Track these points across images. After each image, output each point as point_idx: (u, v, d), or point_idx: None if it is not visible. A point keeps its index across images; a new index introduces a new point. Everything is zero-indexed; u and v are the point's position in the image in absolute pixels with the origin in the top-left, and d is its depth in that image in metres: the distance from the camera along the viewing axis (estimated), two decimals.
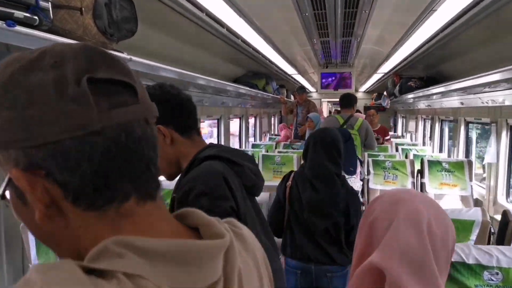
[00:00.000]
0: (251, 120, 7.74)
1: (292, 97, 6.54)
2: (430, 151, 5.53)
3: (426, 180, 3.96)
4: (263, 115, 8.21)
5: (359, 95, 11.59)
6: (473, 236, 2.04)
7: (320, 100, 11.82)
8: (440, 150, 5.89)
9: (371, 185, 4.09)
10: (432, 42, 3.51)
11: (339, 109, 5.89)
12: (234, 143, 6.28)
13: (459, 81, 3.43)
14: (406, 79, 5.26)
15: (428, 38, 3.49)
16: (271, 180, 4.23)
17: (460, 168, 3.92)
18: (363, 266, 0.72)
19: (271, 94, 5.66)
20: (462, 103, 4.39)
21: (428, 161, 4.01)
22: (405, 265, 0.68)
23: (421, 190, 3.99)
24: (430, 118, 6.13)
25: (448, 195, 3.89)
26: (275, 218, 2.04)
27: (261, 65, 5.32)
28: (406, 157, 4.99)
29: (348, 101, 4.24)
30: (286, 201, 2.01)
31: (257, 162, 4.24)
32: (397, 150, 5.63)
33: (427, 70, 5.45)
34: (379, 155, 4.94)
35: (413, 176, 4.04)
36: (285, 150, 5.24)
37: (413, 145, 6.28)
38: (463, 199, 3.85)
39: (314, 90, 11.23)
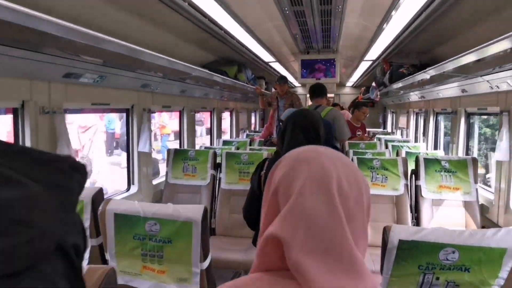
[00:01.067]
0: (227, 115, 7.00)
1: (273, 90, 5.81)
2: (424, 148, 4.85)
3: (422, 182, 3.27)
4: (241, 110, 7.47)
5: (346, 90, 10.95)
6: (504, 273, 1.33)
7: (305, 95, 11.16)
8: (435, 147, 5.23)
9: None
10: (425, 15, 2.85)
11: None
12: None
13: (461, 55, 2.74)
14: (398, 66, 4.58)
15: (419, 10, 2.83)
16: (237, 183, 3.51)
17: (462, 167, 3.23)
18: (264, 238, 0.63)
19: (243, 83, 4.92)
20: (463, 91, 3.71)
21: (425, 159, 3.32)
22: (312, 237, 0.59)
23: (416, 194, 3.30)
24: (423, 112, 5.46)
25: (448, 201, 3.21)
26: (250, 210, 1.88)
27: (234, 51, 4.60)
28: (398, 155, 4.30)
29: (318, 90, 3.87)
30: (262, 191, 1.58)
31: (220, 161, 3.52)
32: (386, 147, 4.94)
33: (421, 56, 4.77)
34: (366, 152, 4.25)
35: (406, 178, 3.35)
36: (258, 148, 4.50)
37: (405, 141, 5.60)
38: (467, 205, 3.16)
39: (299, 85, 10.56)
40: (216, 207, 3.50)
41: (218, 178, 3.63)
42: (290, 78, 7.93)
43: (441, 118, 5.29)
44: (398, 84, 4.35)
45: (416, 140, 6.28)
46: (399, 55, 5.00)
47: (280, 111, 5.45)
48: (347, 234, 0.60)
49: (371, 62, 5.41)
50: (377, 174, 3.38)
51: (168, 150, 3.69)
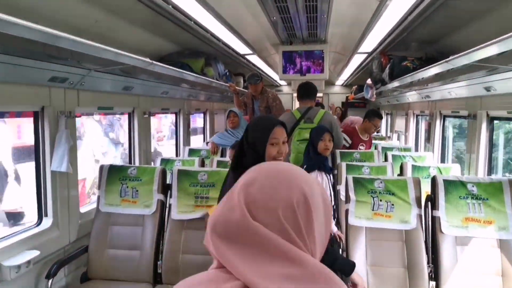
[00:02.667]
0: (199, 118, 6.07)
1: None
2: (432, 160, 4.00)
3: (441, 212, 2.40)
4: (218, 111, 6.54)
5: (336, 89, 10.10)
6: None
7: (292, 95, 10.28)
8: (442, 159, 4.39)
9: (352, 220, 2.50)
10: None
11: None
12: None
13: (493, 41, 1.88)
14: (400, 58, 3.72)
15: None
16: (192, 212, 2.61)
17: (496, 192, 2.38)
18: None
19: (210, 79, 4.00)
20: (488, 89, 2.85)
21: (445, 181, 2.45)
22: (219, 239, 0.62)
23: (433, 228, 2.43)
24: (428, 115, 4.61)
25: (477, 239, 2.34)
26: None
27: (201, 40, 3.69)
28: (402, 169, 3.43)
29: (308, 90, 3.44)
30: None
31: (169, 181, 2.60)
32: (386, 158, 4.08)
33: (425, 48, 3.92)
34: (363, 166, 3.37)
35: (419, 205, 2.48)
36: (227, 160, 3.59)
37: (405, 149, 4.75)
38: (503, 245, 2.30)
39: (284, 83, 9.67)
40: (164, 245, 2.59)
41: (167, 205, 2.71)
42: (272, 74, 7.03)
43: (449, 123, 4.45)
44: (402, 81, 3.48)
45: (416, 147, 5.46)
46: (399, 47, 4.14)
47: (255, 115, 4.55)
48: (247, 228, 0.60)
49: (365, 55, 4.54)
50: (380, 201, 2.51)
51: (101, 167, 2.75)
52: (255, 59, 4.96)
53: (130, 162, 3.64)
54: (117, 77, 2.89)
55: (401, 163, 3.44)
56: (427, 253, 2.40)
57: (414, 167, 3.37)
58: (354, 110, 9.76)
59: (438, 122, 4.36)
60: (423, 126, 5.70)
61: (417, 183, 2.53)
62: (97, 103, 2.95)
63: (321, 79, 4.55)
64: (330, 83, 9.39)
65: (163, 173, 2.72)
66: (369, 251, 2.45)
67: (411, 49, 4.04)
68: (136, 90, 3.37)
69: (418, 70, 3.10)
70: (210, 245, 0.64)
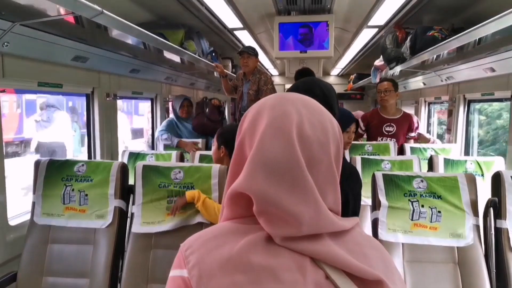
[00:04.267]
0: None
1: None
2: (457, 152, 3.35)
3: (511, 223, 1.73)
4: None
5: (331, 79, 9.39)
6: None
7: (284, 86, 9.54)
8: (466, 152, 3.74)
9: (384, 234, 1.81)
10: None
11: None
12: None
13: None
14: (424, 28, 3.04)
15: None
16: (161, 223, 1.89)
17: None
18: (228, 195, 0.62)
19: (191, 53, 3.25)
20: None
21: None
22: (271, 181, 0.57)
23: (499, 245, 1.76)
24: (448, 100, 3.95)
25: None
26: None
27: (183, 5, 2.98)
28: (431, 164, 2.76)
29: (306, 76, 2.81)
30: None
31: (132, 182, 1.86)
32: (402, 151, 3.41)
33: (450, 18, 3.26)
34: (382, 161, 2.70)
35: (476, 213, 1.80)
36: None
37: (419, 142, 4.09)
38: None
39: (276, 72, 8.95)
40: (123, 270, 1.86)
41: (129, 215, 1.98)
42: (264, 60, 6.31)
43: (473, 109, 3.80)
44: (432, 52, 2.78)
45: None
46: (417, 19, 3.48)
47: (243, 101, 3.83)
48: (307, 176, 0.58)
49: (376, 29, 3.86)
50: (422, 207, 1.82)
51: (36, 163, 1.99)
52: (245, 36, 4.22)
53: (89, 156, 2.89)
54: (62, 40, 2.13)
55: (431, 157, 2.76)
56: (489, 278, 1.72)
57: (447, 162, 2.70)
58: (350, 103, 9.10)
59: (461, 108, 3.71)
60: (435, 115, 5.06)
61: (472, 182, 1.84)
62: (36, 77, 2.18)
63: (326, 57, 3.84)
64: (325, 72, 8.68)
65: (123, 171, 1.97)
66: (408, 276, 1.77)
67: (432, 21, 3.38)
68: (94, 64, 2.61)
69: (454, 37, 2.41)
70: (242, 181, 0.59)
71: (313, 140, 0.61)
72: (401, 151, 3.46)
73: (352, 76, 7.50)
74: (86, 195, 1.93)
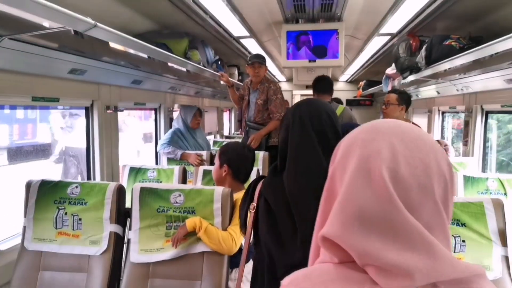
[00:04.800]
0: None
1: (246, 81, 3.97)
2: (474, 167, 3.17)
3: None
4: (209, 108, 5.67)
5: (339, 85, 9.23)
6: None
7: (291, 92, 9.40)
8: (483, 167, 3.55)
9: None
10: None
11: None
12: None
13: None
14: (440, 37, 2.88)
15: None
16: (160, 251, 1.75)
17: None
18: (316, 240, 0.59)
19: (194, 63, 3.13)
20: None
21: None
22: (368, 233, 0.51)
23: None
24: (464, 110, 3.77)
25: None
26: None
27: (186, 15, 2.89)
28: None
29: (325, 85, 3.24)
30: (246, 234, 1.24)
31: (130, 203, 1.71)
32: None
33: (466, 26, 3.10)
34: None
35: (504, 243, 1.63)
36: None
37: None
38: None
39: (283, 78, 8.81)
40: None
41: (125, 240, 1.85)
42: (271, 66, 6.18)
43: (490, 122, 3.62)
44: (451, 63, 2.61)
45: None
46: (431, 27, 3.32)
47: (250, 111, 3.68)
48: (409, 219, 0.50)
49: (388, 37, 3.70)
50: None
51: (28, 184, 1.87)
52: (252, 44, 4.09)
53: (88, 179, 2.76)
54: (58, 53, 2.01)
55: None
56: None
57: (467, 180, 2.53)
58: (359, 109, 8.93)
59: (479, 119, 3.53)
60: (449, 125, 4.88)
61: (500, 208, 1.68)
62: (29, 92, 2.07)
63: (335, 66, 3.70)
64: (333, 78, 8.48)
65: (120, 193, 1.84)
66: None
67: (448, 29, 3.22)
68: (93, 76, 2.49)
69: (475, 48, 2.25)
70: (332, 231, 0.53)
71: (411, 183, 0.53)
72: None
73: (362, 83, 7.33)
74: (80, 219, 1.80)
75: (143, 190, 1.79)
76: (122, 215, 1.82)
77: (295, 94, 9.31)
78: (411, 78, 3.35)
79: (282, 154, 1.15)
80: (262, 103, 3.55)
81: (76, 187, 1.84)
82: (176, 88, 3.88)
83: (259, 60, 3.47)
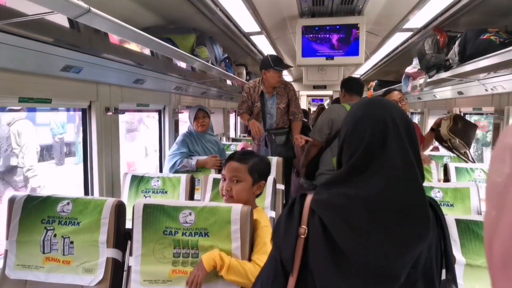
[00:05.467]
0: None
1: (248, 84, 3.58)
2: None
3: None
4: (213, 110, 5.38)
5: None
6: None
7: (298, 92, 9.10)
8: None
9: None
10: None
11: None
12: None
13: None
14: (476, 32, 2.58)
15: None
16: (164, 284, 1.45)
17: None
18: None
19: (203, 61, 2.85)
20: None
21: None
22: None
23: None
24: (493, 112, 3.48)
25: None
26: None
27: (195, 8, 2.62)
28: None
29: (357, 85, 2.92)
30: (294, 268, 0.89)
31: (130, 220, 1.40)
32: (445, 171, 2.97)
33: (503, 19, 2.81)
34: (432, 189, 2.26)
35: None
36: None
37: (458, 159, 3.63)
38: None
39: (291, 78, 8.52)
40: None
41: (126, 267, 1.56)
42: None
43: None
44: (492, 59, 2.32)
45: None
46: (458, 21, 3.04)
47: (269, 118, 3.33)
48: None
49: (410, 33, 3.41)
50: None
51: (11, 200, 1.59)
52: (262, 42, 3.81)
53: (85, 191, 2.48)
54: (49, 47, 1.74)
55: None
56: None
57: None
58: None
59: (511, 121, 3.23)
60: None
61: None
62: (16, 91, 1.79)
63: (354, 64, 3.41)
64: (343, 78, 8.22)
65: (119, 211, 1.56)
66: None
67: (478, 23, 2.93)
68: (90, 74, 2.22)
69: None
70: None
71: None
72: (445, 172, 3.02)
73: (373, 83, 7.02)
74: (72, 242, 1.52)
75: (146, 208, 1.51)
76: (121, 238, 1.54)
77: (302, 95, 9.03)
78: (442, 75, 3.04)
79: (357, 163, 0.86)
80: (284, 107, 3.25)
81: (68, 203, 1.56)
82: (181, 88, 3.60)
83: (283, 66, 3.11)
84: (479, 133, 4.61)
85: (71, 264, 1.51)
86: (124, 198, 2.44)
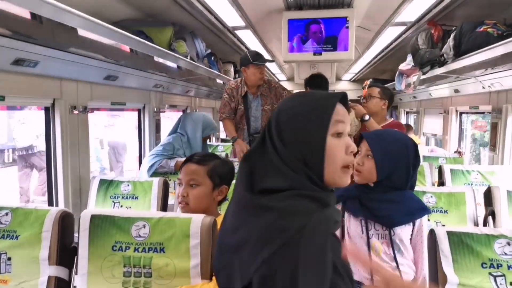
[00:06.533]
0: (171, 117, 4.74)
1: (230, 84, 3.35)
2: (508, 176, 2.70)
3: None
4: (202, 109, 5.19)
5: (342, 85, 8.74)
6: None
7: (292, 92, 8.91)
8: None
9: None
10: None
11: None
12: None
13: None
14: (473, 24, 2.41)
15: None
16: None
17: None
18: None
19: (181, 56, 2.66)
20: None
21: None
22: None
23: None
24: (491, 111, 3.30)
25: None
26: None
27: (174, 2, 2.42)
28: (489, 197, 2.11)
29: (319, 83, 2.85)
30: None
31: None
32: (440, 174, 2.79)
33: (501, 11, 2.63)
34: (424, 194, 2.08)
35: None
36: None
37: (456, 160, 3.47)
38: None
39: (284, 77, 8.34)
40: None
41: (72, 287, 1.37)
42: (272, 67, 5.71)
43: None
44: (481, 55, 2.14)
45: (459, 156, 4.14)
46: (453, 15, 2.86)
47: (253, 121, 3.11)
48: None
49: (403, 27, 3.23)
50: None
51: None
52: (248, 37, 3.63)
53: (49, 200, 2.28)
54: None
55: (489, 188, 2.10)
56: None
57: (510, 196, 2.05)
58: None
59: (510, 120, 3.06)
60: (467, 128, 4.41)
61: None
62: None
63: (343, 60, 3.23)
64: (336, 77, 8.03)
65: (65, 223, 1.37)
66: None
67: (474, 16, 2.75)
68: (51, 69, 2.02)
69: None
70: None
71: None
72: (440, 174, 2.84)
73: (367, 81, 6.84)
74: (9, 258, 1.33)
75: (94, 219, 1.31)
76: (67, 254, 1.35)
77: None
78: (437, 71, 2.86)
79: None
80: (269, 108, 3.04)
81: (6, 214, 1.37)
82: (162, 85, 3.41)
83: (263, 60, 2.90)
84: (476, 133, 4.43)
85: (8, 284, 1.32)
86: (91, 205, 2.24)
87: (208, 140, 2.94)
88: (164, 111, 3.64)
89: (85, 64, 2.29)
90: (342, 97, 0.79)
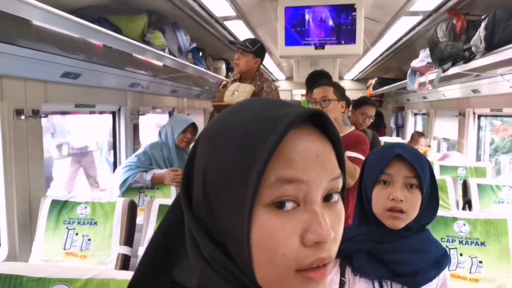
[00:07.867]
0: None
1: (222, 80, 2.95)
2: None
3: None
4: (191, 111, 4.75)
5: (346, 85, 8.28)
6: None
7: (291, 91, 8.46)
8: None
9: None
10: None
11: None
12: None
13: None
14: (509, 12, 1.97)
15: None
16: None
17: None
18: None
19: (155, 50, 2.21)
20: None
21: None
22: None
23: None
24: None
25: None
26: None
27: None
28: None
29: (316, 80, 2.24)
30: None
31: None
32: (465, 190, 2.37)
33: None
34: (455, 220, 1.64)
35: None
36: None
37: (477, 170, 3.03)
38: None
39: (282, 76, 7.90)
40: None
41: None
42: (270, 64, 5.27)
43: None
44: None
45: (478, 161, 3.70)
46: (476, 3, 2.43)
47: None
48: None
49: (419, 17, 2.80)
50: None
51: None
52: (240, 29, 3.18)
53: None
54: None
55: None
56: None
57: None
58: None
59: None
60: (485, 133, 3.97)
61: None
62: None
63: (350, 54, 2.79)
64: (338, 77, 7.59)
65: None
66: None
67: (505, 3, 2.31)
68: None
69: None
70: None
71: None
72: (465, 190, 2.41)
73: (372, 81, 6.41)
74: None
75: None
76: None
77: (295, 94, 8.37)
78: (456, 69, 2.43)
79: None
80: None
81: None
82: (141, 85, 2.97)
83: (243, 45, 2.44)
84: (497, 139, 4.00)
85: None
86: (40, 232, 1.80)
87: (187, 146, 2.45)
88: (144, 114, 3.20)
89: (37, 59, 1.86)
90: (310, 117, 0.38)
